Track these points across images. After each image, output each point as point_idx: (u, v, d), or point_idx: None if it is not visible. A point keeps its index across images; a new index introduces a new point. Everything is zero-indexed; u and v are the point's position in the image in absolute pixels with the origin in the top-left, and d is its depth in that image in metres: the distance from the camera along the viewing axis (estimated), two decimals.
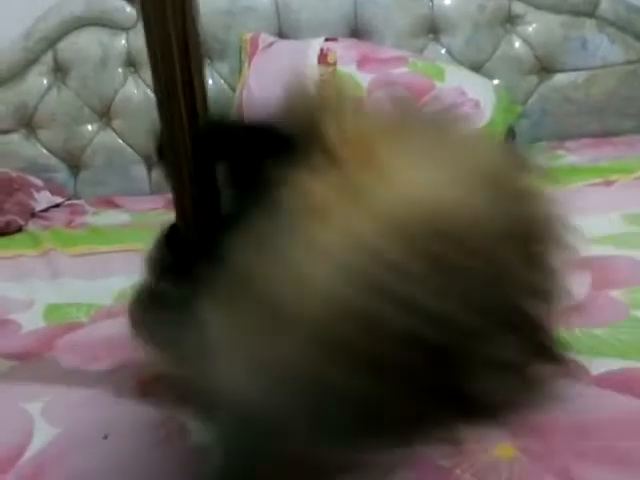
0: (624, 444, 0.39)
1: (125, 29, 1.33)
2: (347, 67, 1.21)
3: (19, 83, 1.33)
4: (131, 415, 0.47)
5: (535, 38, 1.31)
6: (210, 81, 1.34)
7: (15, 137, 1.35)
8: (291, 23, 1.33)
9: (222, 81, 1.34)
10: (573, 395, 0.45)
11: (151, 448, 0.43)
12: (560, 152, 1.18)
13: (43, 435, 0.45)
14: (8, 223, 1.07)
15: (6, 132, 1.34)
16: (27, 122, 1.34)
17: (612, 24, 1.29)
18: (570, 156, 1.15)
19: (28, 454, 0.43)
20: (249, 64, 1.27)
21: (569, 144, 1.24)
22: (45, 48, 1.32)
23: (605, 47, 1.29)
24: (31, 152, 1.35)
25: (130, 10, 1.33)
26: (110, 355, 0.56)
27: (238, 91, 1.28)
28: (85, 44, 1.33)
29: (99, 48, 1.32)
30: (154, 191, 1.35)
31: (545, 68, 1.32)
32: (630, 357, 0.49)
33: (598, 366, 0.48)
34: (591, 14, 1.30)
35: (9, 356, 0.59)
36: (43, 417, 0.47)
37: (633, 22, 1.29)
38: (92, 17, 1.32)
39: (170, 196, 1.39)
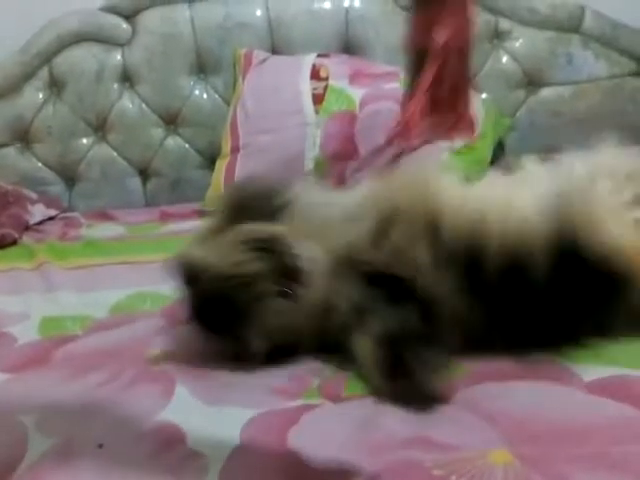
0: (618, 449, 0.40)
1: (121, 45, 1.35)
2: (339, 82, 1.23)
3: (15, 97, 1.34)
4: (126, 424, 0.47)
5: (522, 53, 1.34)
6: (205, 95, 1.36)
7: (10, 151, 1.35)
8: (284, 38, 1.35)
9: (216, 95, 1.36)
10: (567, 401, 0.46)
11: (147, 457, 0.43)
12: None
13: (38, 447, 0.45)
14: (3, 236, 1.07)
15: (1, 146, 1.35)
16: (23, 136, 1.35)
17: (597, 40, 1.33)
18: None
19: (23, 466, 0.43)
20: (243, 80, 1.29)
21: (557, 157, 1.26)
22: (41, 63, 1.34)
23: (590, 62, 1.32)
24: (26, 166, 1.35)
25: (126, 26, 1.35)
26: (105, 367, 0.56)
27: (232, 105, 1.29)
28: (81, 59, 1.34)
29: (95, 63, 1.34)
30: (149, 203, 1.36)
31: (532, 82, 1.35)
32: (623, 365, 0.50)
33: (591, 373, 0.49)
34: (576, 30, 1.33)
35: (4, 369, 0.59)
36: (38, 429, 0.47)
37: (617, 38, 1.33)
38: (88, 32, 1.34)
39: (164, 208, 1.40)
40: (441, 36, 0.43)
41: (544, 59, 1.33)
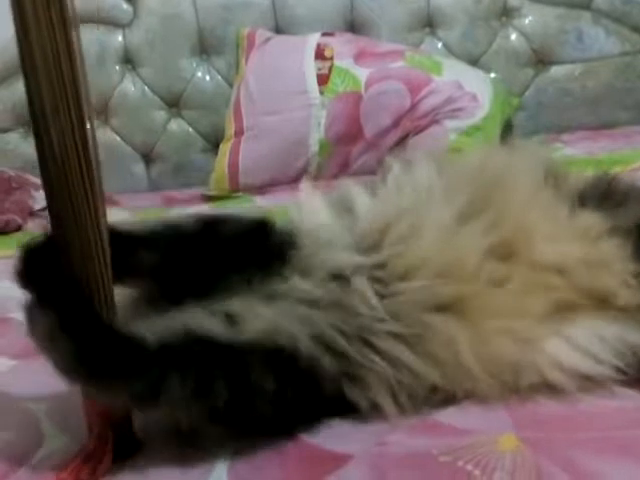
0: (625, 433, 0.40)
1: (122, 26, 1.33)
2: (344, 62, 1.21)
3: (16, 81, 1.33)
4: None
5: (531, 30, 1.31)
6: (207, 77, 1.34)
7: (13, 136, 1.34)
8: (287, 18, 1.32)
9: (219, 77, 1.34)
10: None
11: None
12: (557, 144, 1.18)
13: (52, 439, 0.44)
14: (7, 222, 1.07)
15: (4, 131, 1.34)
16: (25, 120, 1.34)
17: (607, 16, 1.29)
18: (567, 148, 1.15)
19: (36, 459, 0.43)
20: (246, 60, 1.27)
21: (566, 136, 1.24)
22: None
23: (601, 39, 1.29)
24: (29, 151, 1.34)
25: (127, 7, 1.33)
26: None
27: (235, 87, 1.28)
28: (82, 41, 1.32)
29: (96, 45, 1.32)
30: (153, 188, 1.35)
31: (541, 61, 1.32)
32: None
33: None
34: (586, 6, 1.30)
35: (11, 355, 0.59)
36: (49, 418, 0.47)
37: (628, 14, 1.29)
38: (89, 14, 1.32)
39: (168, 193, 1.37)
40: None
41: (554, 36, 1.30)
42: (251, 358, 0.38)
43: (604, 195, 0.49)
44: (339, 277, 0.42)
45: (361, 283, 0.42)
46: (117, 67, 1.33)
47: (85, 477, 0.36)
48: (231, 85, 1.31)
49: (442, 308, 0.42)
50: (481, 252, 0.43)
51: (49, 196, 0.36)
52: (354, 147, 1.18)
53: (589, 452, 0.38)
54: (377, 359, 0.41)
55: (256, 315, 0.39)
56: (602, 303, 0.44)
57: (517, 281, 0.43)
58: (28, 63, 0.35)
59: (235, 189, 1.20)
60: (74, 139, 0.35)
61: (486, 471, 0.37)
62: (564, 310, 0.44)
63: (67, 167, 0.35)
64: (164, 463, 0.41)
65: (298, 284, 0.41)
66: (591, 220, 0.46)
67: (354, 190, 0.48)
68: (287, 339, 0.39)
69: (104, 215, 0.37)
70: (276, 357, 0.39)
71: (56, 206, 0.36)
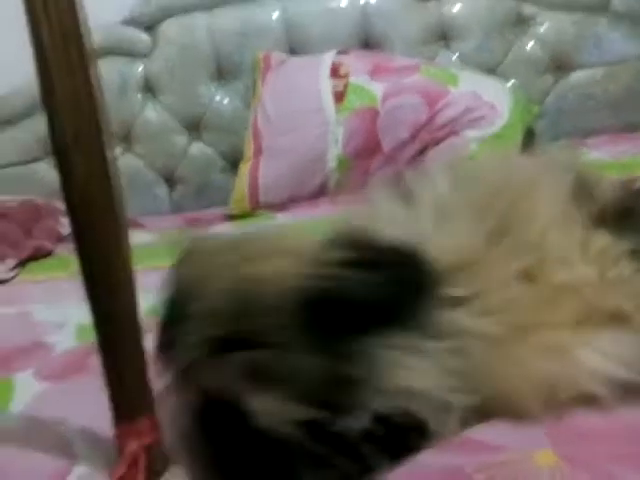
0: None
1: (142, 56, 1.38)
2: (360, 78, 1.22)
3: (43, 113, 1.38)
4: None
5: (548, 37, 1.30)
6: (226, 101, 1.37)
7: (42, 165, 1.39)
8: (302, 39, 1.35)
9: (237, 100, 1.37)
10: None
11: None
12: (581, 149, 1.16)
13: (85, 461, 0.45)
14: (37, 248, 1.10)
15: (33, 160, 1.39)
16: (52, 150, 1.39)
17: (625, 19, 1.28)
18: (591, 152, 1.13)
19: (72, 476, 0.44)
20: (263, 82, 1.29)
21: (589, 141, 1.22)
22: None
23: (619, 42, 1.27)
24: (57, 179, 1.39)
25: (146, 38, 1.37)
26: None
27: (253, 109, 1.30)
28: (104, 72, 1.36)
29: (118, 76, 1.36)
30: (175, 210, 1.38)
31: (560, 67, 1.31)
32: None
33: None
34: (604, 10, 1.28)
35: (44, 377, 0.61)
36: (82, 440, 0.48)
37: None
38: (110, 46, 1.36)
39: (192, 214, 1.39)
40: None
41: (571, 42, 1.29)
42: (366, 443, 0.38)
43: (626, 214, 0.49)
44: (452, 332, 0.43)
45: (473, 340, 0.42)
46: (138, 95, 1.37)
47: None
48: (249, 107, 1.33)
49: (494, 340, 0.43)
50: (510, 280, 0.44)
51: (73, 222, 0.38)
52: (373, 161, 1.18)
53: (630, 467, 0.37)
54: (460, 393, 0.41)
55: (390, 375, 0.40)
56: (619, 322, 0.44)
57: (539, 298, 0.44)
58: (49, 98, 0.36)
59: (256, 207, 1.21)
60: (95, 169, 0.37)
61: None
62: (587, 323, 0.44)
63: (89, 195, 0.37)
64: None
65: (419, 339, 0.41)
66: (609, 242, 0.46)
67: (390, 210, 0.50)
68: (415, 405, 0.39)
69: (126, 237, 0.38)
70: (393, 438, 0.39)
71: (80, 231, 0.38)
